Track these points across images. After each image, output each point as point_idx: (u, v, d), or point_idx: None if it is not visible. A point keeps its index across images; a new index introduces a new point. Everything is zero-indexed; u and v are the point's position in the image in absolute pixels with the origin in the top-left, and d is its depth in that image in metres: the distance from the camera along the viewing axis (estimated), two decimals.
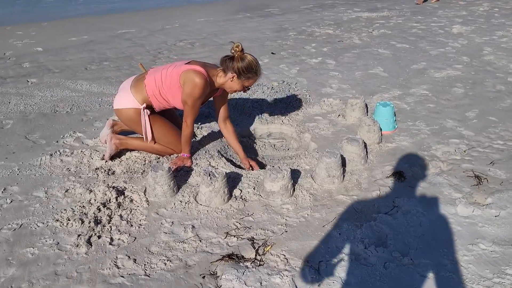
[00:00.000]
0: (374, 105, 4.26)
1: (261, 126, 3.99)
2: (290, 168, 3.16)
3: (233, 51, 3.04)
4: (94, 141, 3.68)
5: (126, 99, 3.25)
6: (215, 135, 3.73)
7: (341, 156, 3.19)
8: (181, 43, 6.88)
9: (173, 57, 6.11)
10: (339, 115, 4.10)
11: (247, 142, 3.84)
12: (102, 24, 8.57)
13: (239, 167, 3.43)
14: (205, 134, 3.75)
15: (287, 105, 4.34)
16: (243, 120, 4.05)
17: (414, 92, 4.63)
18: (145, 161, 3.35)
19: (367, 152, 3.34)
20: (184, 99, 3.12)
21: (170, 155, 3.41)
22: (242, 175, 3.15)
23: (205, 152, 3.45)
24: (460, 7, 9.86)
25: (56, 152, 3.46)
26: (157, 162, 3.28)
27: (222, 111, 3.44)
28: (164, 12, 10.33)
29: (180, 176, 3.15)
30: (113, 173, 3.20)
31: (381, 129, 3.74)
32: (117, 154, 3.43)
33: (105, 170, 3.21)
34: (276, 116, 4.07)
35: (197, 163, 3.30)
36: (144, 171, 3.22)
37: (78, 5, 11.77)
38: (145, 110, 3.24)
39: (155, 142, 3.32)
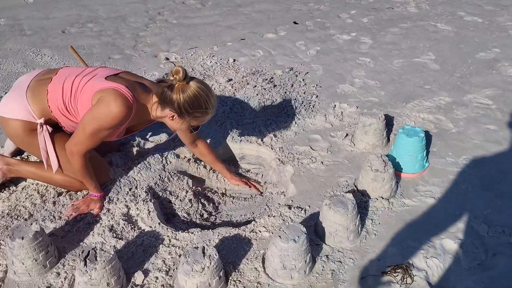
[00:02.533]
0: (400, 125, 2.95)
1: (231, 144, 2.84)
2: (232, 232, 2.06)
3: (172, 78, 1.98)
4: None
5: (15, 105, 2.22)
6: (159, 158, 2.65)
7: (314, 232, 2.04)
8: (191, 1, 5.66)
9: (172, 21, 4.96)
10: (346, 134, 2.84)
11: (206, 169, 2.74)
12: None
13: (173, 216, 2.36)
14: (144, 147, 2.68)
15: (280, 110, 3.12)
16: (211, 133, 2.91)
17: (470, 101, 3.22)
18: (42, 196, 2.37)
19: (360, 220, 2.12)
20: (84, 119, 2.06)
21: (77, 192, 2.40)
22: (163, 239, 2.10)
23: (130, 189, 2.39)
24: None
25: None
26: (20, 223, 2.18)
27: (187, 135, 2.45)
28: None
29: (77, 231, 2.15)
30: None
31: (398, 170, 2.48)
32: (14, 180, 2.48)
33: None
34: (257, 130, 2.89)
35: (109, 209, 2.26)
36: (31, 215, 2.25)
37: None
38: (44, 127, 2.21)
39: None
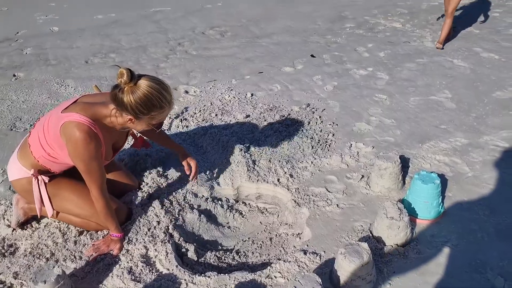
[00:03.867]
0: (416, 167, 2.97)
1: (248, 184, 2.89)
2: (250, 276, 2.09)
3: (119, 81, 1.96)
4: None
5: (12, 167, 2.36)
6: (180, 194, 2.70)
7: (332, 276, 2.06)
8: (211, 31, 5.80)
9: (192, 52, 5.08)
10: (362, 176, 2.87)
11: (223, 209, 2.78)
12: None
13: (187, 256, 2.40)
14: (163, 186, 2.74)
15: (296, 149, 3.17)
16: (228, 171, 2.96)
17: (486, 143, 3.23)
18: (64, 235, 2.44)
19: (374, 269, 2.15)
20: (74, 163, 2.15)
21: (97, 231, 2.46)
22: (180, 283, 2.14)
23: (149, 229, 2.45)
24: None
25: None
26: (42, 266, 2.24)
27: (153, 134, 2.61)
28: None
29: (96, 272, 2.21)
30: (14, 252, 2.35)
31: (413, 215, 2.50)
32: (36, 217, 2.56)
33: (3, 247, 2.36)
34: (273, 169, 2.94)
35: (128, 250, 2.32)
36: (53, 254, 2.32)
37: None
38: (38, 178, 2.29)
39: (57, 214, 2.40)
